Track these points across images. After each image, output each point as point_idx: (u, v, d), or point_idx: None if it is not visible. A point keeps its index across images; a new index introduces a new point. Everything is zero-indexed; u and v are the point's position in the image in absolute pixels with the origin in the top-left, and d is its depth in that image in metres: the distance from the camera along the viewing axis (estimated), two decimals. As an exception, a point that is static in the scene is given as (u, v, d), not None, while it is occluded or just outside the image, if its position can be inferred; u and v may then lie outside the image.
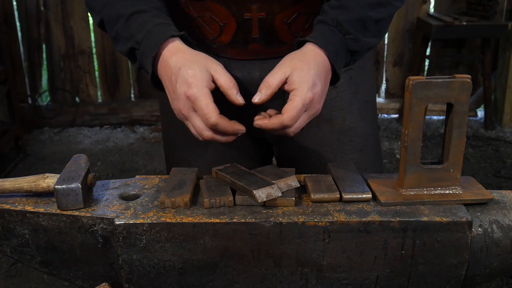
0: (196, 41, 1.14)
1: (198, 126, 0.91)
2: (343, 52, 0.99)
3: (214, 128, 0.90)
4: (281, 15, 1.07)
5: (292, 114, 0.90)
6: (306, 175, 0.96)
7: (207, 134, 0.91)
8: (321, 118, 1.17)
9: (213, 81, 0.93)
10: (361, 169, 1.14)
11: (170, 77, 0.93)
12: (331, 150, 1.19)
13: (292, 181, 0.90)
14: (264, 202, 0.85)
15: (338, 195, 0.87)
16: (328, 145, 1.19)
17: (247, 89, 1.17)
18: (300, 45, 1.00)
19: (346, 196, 0.87)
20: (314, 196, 0.87)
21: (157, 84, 1.00)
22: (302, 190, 0.92)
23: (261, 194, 0.84)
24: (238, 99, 0.94)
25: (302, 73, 0.92)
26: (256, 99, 0.93)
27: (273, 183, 0.86)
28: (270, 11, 1.06)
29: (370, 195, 0.87)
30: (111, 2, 1.03)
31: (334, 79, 1.00)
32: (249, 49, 1.11)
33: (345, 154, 1.20)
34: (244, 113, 1.22)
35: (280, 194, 0.86)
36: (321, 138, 1.20)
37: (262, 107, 1.20)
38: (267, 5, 1.05)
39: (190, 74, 0.90)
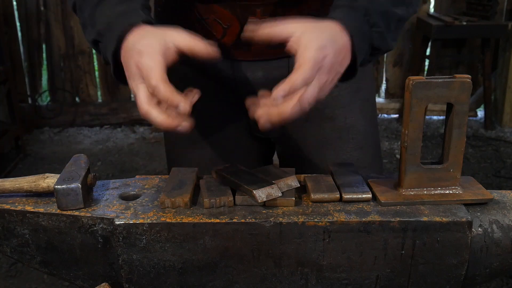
0: None
1: (140, 98, 0.81)
2: (366, 45, 0.89)
3: (155, 93, 0.79)
4: (284, 17, 1.07)
5: (303, 70, 0.78)
6: (306, 175, 0.96)
7: (145, 107, 0.80)
8: (323, 116, 1.17)
9: (180, 53, 0.85)
10: (361, 167, 1.14)
11: (127, 58, 0.84)
12: (333, 148, 1.20)
13: (292, 181, 0.90)
14: (264, 202, 0.85)
15: (338, 195, 0.87)
16: (329, 143, 1.20)
17: (251, 89, 1.17)
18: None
19: (346, 196, 0.87)
20: (314, 196, 0.87)
21: (123, 79, 0.90)
22: (302, 190, 0.92)
23: (261, 194, 0.85)
24: (209, 49, 0.85)
25: (313, 34, 0.82)
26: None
27: (273, 183, 0.86)
28: (274, 13, 1.06)
29: (370, 195, 0.87)
30: None
31: (351, 72, 0.89)
32: (252, 50, 1.11)
33: (346, 152, 1.20)
34: (246, 112, 1.21)
35: (280, 194, 0.86)
36: (322, 136, 1.20)
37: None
38: (271, 8, 1.05)
39: (144, 43, 0.82)
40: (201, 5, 1.07)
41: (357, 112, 1.20)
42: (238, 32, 1.08)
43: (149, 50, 0.81)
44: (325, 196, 0.87)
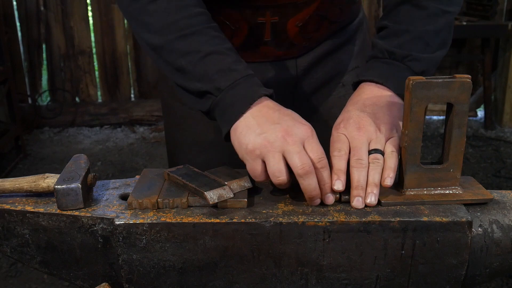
0: None
1: (281, 165, 0.82)
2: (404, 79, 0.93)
3: (320, 168, 0.83)
4: (294, 19, 1.06)
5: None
6: None
7: (285, 174, 0.82)
8: (329, 117, 1.17)
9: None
10: None
11: (274, 111, 0.86)
12: None
13: (245, 182, 0.89)
14: (216, 203, 0.85)
15: (337, 196, 0.87)
16: None
17: None
18: (355, 85, 0.96)
19: (345, 197, 0.87)
20: (344, 197, 0.86)
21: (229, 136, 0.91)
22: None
23: (212, 195, 0.84)
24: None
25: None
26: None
27: (225, 184, 0.86)
28: (283, 15, 1.05)
29: None
30: (176, 26, 0.91)
31: None
32: (259, 51, 1.11)
33: None
34: None
35: (231, 195, 0.85)
36: (329, 136, 1.19)
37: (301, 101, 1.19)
38: (281, 9, 1.05)
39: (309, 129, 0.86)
40: (209, 6, 1.07)
41: None
42: (246, 33, 1.07)
43: (314, 131, 0.86)
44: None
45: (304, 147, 0.83)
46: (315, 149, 0.83)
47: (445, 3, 0.96)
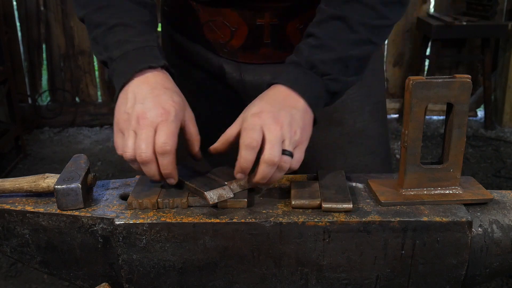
0: (206, 44, 1.14)
1: (131, 144, 0.85)
2: (322, 94, 0.92)
3: (160, 155, 0.84)
4: (294, 21, 1.06)
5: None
6: (292, 179, 0.95)
7: (131, 152, 0.84)
8: (331, 121, 1.16)
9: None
10: (372, 171, 1.13)
11: (149, 88, 0.87)
12: (342, 153, 1.18)
13: (245, 182, 0.89)
14: (216, 203, 0.84)
15: (318, 202, 0.85)
16: (338, 148, 1.18)
17: (259, 92, 1.16)
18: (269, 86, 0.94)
19: (326, 205, 0.84)
20: (294, 202, 0.86)
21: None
22: (286, 194, 0.91)
23: (212, 195, 0.84)
24: (199, 154, 0.93)
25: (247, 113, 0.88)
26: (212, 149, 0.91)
27: (225, 184, 0.86)
28: (283, 17, 1.05)
29: (350, 206, 0.84)
30: (95, 2, 0.95)
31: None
32: (259, 53, 1.10)
33: (356, 157, 1.18)
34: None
35: (231, 195, 0.85)
36: (332, 141, 1.18)
37: None
38: (280, 12, 1.04)
39: (175, 100, 0.86)
40: (209, 7, 1.07)
41: (367, 116, 1.18)
42: (246, 35, 1.07)
43: (178, 108, 0.86)
44: (305, 202, 0.86)
45: (156, 130, 0.84)
46: (161, 135, 0.83)
47: (375, 35, 0.95)
